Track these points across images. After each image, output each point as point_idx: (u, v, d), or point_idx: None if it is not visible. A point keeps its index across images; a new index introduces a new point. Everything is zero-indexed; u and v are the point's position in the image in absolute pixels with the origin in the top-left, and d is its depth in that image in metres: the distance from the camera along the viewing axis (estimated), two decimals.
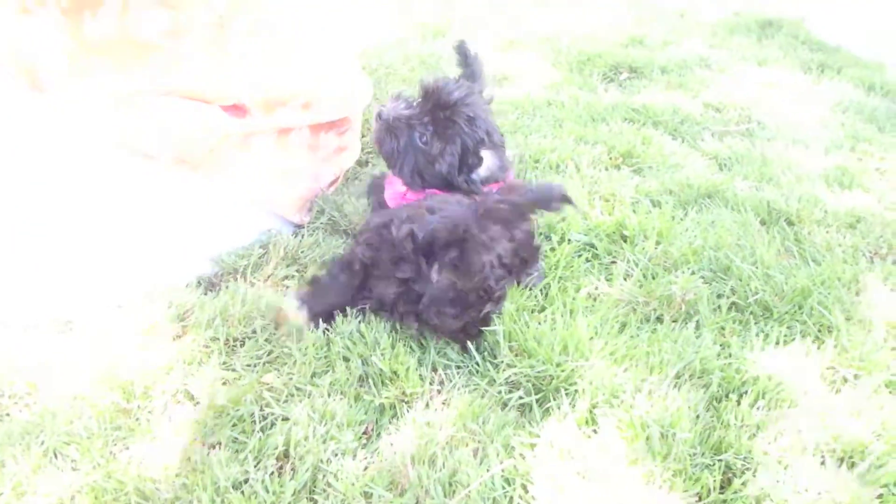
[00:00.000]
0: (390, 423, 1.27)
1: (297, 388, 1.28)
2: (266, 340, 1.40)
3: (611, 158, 2.28)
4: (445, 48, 3.26)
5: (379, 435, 1.25)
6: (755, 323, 1.54)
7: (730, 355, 1.42)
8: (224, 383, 1.29)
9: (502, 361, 1.36)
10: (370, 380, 1.30)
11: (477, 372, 1.37)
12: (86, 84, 1.34)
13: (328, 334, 1.39)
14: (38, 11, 1.28)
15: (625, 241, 1.84)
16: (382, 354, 1.32)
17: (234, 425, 1.20)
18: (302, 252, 1.66)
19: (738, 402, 1.30)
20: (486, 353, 1.40)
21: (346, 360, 1.33)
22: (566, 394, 1.31)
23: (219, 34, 1.42)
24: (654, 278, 1.70)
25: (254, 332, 1.42)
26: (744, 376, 1.36)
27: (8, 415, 1.21)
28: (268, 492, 1.08)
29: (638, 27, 3.85)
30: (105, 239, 1.45)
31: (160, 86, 1.41)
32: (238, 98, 1.49)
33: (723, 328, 1.53)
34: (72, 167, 1.40)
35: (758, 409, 1.30)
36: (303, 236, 1.72)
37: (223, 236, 1.64)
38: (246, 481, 1.09)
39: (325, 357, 1.35)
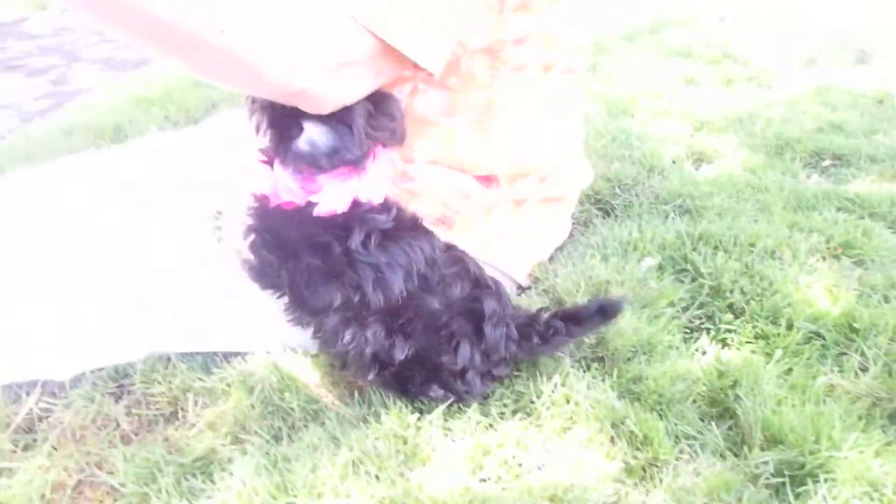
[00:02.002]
0: (637, 485, 1.39)
1: (551, 440, 1.43)
2: (518, 391, 1.58)
3: (829, 248, 2.35)
4: (634, 125, 3.46)
5: (627, 494, 1.37)
6: None
7: None
8: (482, 426, 1.47)
9: (753, 444, 1.46)
10: (621, 440, 1.44)
11: (725, 451, 1.47)
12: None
13: (568, 393, 1.55)
14: None
15: (855, 334, 1.90)
16: (634, 418, 1.46)
17: (500, 465, 1.37)
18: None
19: None
20: (732, 432, 1.51)
21: (597, 419, 1.47)
22: (823, 481, 1.38)
23: (485, 115, 1.68)
24: (891, 375, 1.74)
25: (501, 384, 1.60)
26: None
27: (305, 426, 1.44)
28: None
29: (833, 113, 3.89)
30: None
31: (432, 157, 1.70)
32: (491, 169, 1.72)
33: None
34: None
35: None
36: (524, 295, 1.91)
37: None
38: None
39: (572, 415, 1.50)
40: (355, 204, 1.42)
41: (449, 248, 1.59)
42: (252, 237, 1.44)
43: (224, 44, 1.10)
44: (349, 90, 1.29)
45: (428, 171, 1.70)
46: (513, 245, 1.88)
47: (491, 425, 1.47)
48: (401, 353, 1.47)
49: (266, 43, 1.14)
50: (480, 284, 1.58)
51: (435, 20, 1.29)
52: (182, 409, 1.60)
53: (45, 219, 1.97)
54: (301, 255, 1.40)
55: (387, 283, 1.42)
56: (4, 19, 8.45)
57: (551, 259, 2.07)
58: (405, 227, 1.49)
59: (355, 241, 1.40)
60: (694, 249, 2.23)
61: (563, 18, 1.71)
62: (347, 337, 1.45)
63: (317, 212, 1.39)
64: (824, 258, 2.27)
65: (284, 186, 1.40)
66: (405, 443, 1.40)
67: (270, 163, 1.44)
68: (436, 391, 1.51)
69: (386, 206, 1.48)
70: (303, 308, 1.47)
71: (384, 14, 1.22)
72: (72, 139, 3.48)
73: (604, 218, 2.48)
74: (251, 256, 1.44)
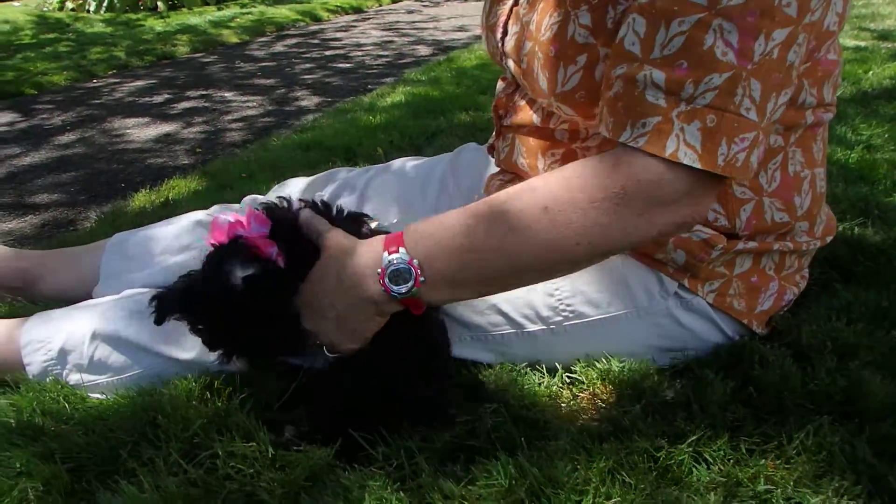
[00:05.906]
0: None
1: (803, 484, 1.52)
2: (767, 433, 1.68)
3: None
4: (874, 194, 3.41)
5: None
6: None
7: None
8: (732, 458, 1.59)
9: None
10: (882, 497, 1.49)
11: None
12: None
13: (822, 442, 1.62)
14: None
15: None
16: None
17: (751, 499, 1.48)
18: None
19: None
20: None
21: (853, 471, 1.54)
22: None
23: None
24: None
25: None
26: None
27: (545, 437, 1.66)
28: None
29: None
30: None
31: None
32: (737, 225, 1.87)
33: None
34: None
35: None
36: (768, 346, 1.99)
37: (689, 340, 2.01)
38: None
39: (825, 463, 1.57)
40: None
41: None
42: None
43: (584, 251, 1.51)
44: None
45: None
46: (750, 293, 1.99)
47: (740, 460, 1.58)
48: None
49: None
50: None
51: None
52: None
53: None
54: None
55: None
56: (234, 43, 9.57)
57: (793, 312, 2.14)
58: None
59: None
60: None
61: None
62: None
63: None
64: None
65: None
66: (656, 461, 1.54)
67: None
68: None
69: None
70: None
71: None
72: (309, 154, 3.96)
73: (845, 283, 2.50)
74: None
